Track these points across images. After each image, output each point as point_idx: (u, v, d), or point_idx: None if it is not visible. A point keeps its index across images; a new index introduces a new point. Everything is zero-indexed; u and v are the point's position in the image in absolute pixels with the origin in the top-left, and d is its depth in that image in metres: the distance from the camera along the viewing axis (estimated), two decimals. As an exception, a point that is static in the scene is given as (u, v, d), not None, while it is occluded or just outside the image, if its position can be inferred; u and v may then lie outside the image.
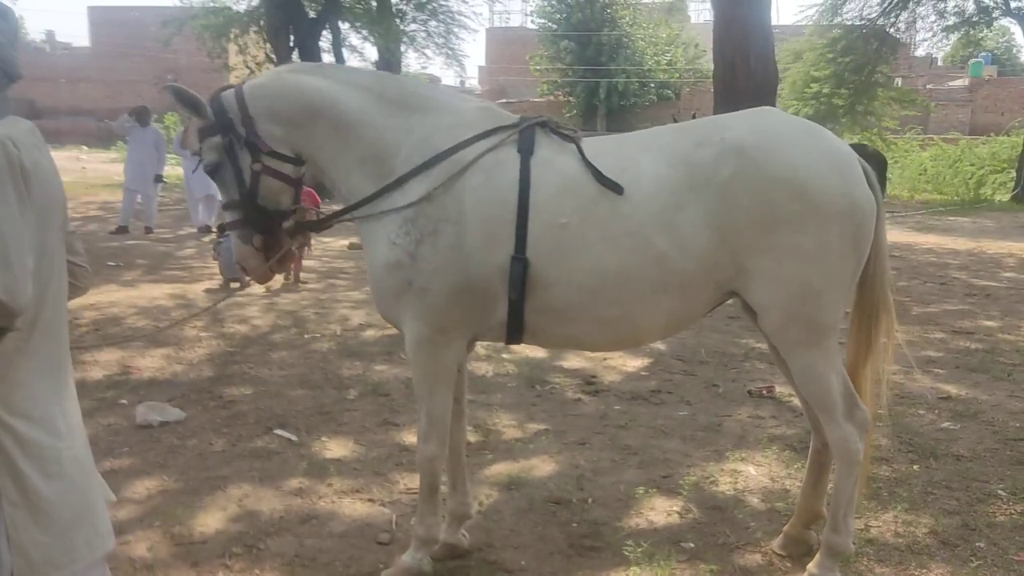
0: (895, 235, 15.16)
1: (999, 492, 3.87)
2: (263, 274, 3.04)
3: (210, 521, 3.44)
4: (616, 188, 2.74)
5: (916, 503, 3.73)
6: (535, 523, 3.51)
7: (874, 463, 4.18)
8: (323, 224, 3.14)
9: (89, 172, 22.76)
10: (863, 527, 3.49)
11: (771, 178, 2.69)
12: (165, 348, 6.02)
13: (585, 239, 2.76)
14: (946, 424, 4.83)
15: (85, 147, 34.07)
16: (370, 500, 3.67)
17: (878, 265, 2.93)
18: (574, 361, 6.00)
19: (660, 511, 3.63)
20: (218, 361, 5.79)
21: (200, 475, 3.85)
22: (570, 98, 39.79)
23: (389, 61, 22.91)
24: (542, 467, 4.09)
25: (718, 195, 2.70)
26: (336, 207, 3.10)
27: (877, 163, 10.48)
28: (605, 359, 6.12)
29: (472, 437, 4.45)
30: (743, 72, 10.28)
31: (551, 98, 40.52)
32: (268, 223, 2.94)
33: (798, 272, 2.71)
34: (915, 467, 4.17)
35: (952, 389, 5.54)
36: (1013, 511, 3.67)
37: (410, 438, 4.41)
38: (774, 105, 10.60)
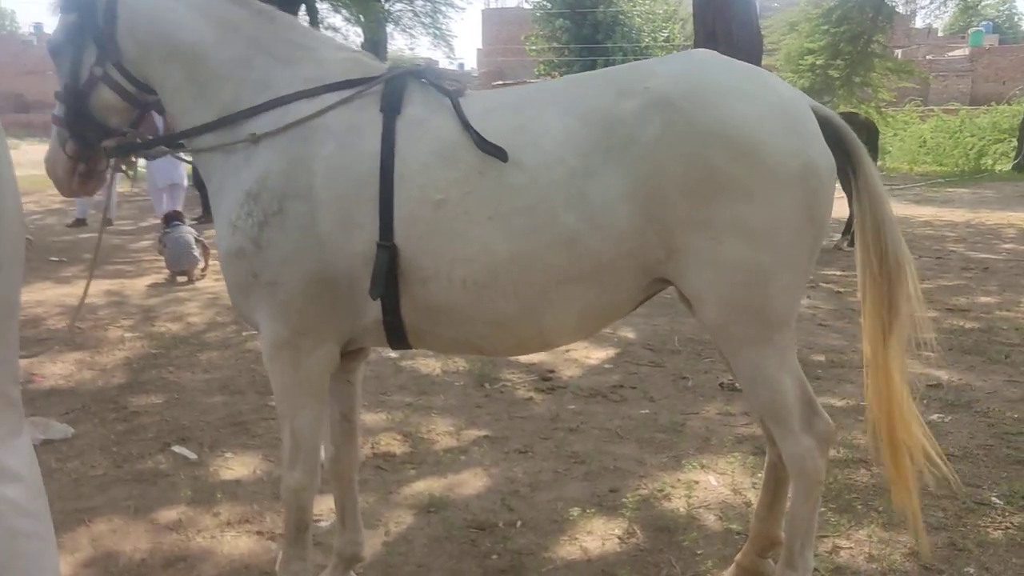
0: (892, 208, 14.62)
1: (993, 500, 3.33)
2: (66, 186, 2.60)
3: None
4: (499, 153, 2.19)
5: (896, 517, 3.19)
6: (449, 555, 2.97)
7: (850, 466, 3.66)
8: (143, 147, 2.61)
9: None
10: (830, 549, 2.96)
11: (707, 135, 2.13)
12: (81, 352, 5.49)
13: (468, 219, 2.21)
14: (935, 416, 4.30)
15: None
16: (258, 533, 3.13)
17: (885, 239, 2.34)
18: (533, 355, 5.47)
19: (598, 535, 3.10)
20: (135, 366, 5.25)
21: (68, 506, 3.31)
22: (567, 77, 39.17)
23: (375, 43, 22.30)
24: (472, 483, 3.56)
25: (641, 158, 2.15)
26: None
27: (867, 132, 9.89)
28: (567, 351, 5.59)
29: (399, 448, 3.92)
30: (724, 41, 9.68)
31: (548, 77, 39.97)
32: (89, 134, 2.52)
33: (742, 252, 2.15)
34: (900, 471, 3.63)
35: (943, 375, 5.01)
36: (1009, 524, 3.13)
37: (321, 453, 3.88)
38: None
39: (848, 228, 10.01)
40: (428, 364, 5.27)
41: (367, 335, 2.43)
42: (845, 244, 9.90)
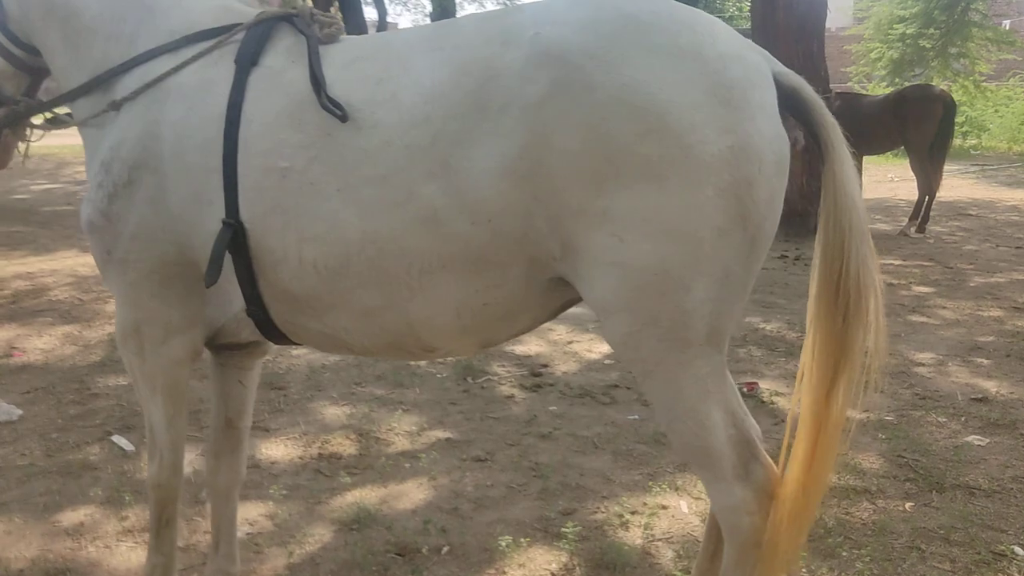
0: (979, 190, 13.60)
1: (1016, 550, 2.81)
2: None
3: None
4: (338, 112, 1.82)
5: (891, 569, 2.71)
6: (356, 584, 2.64)
7: (852, 497, 3.17)
8: (31, 112, 2.37)
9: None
10: (797, 610, 2.51)
11: (608, 101, 1.68)
12: (72, 325, 5.33)
13: (315, 191, 1.86)
14: (971, 438, 3.74)
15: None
16: (156, 543, 2.85)
17: (848, 255, 1.82)
18: (531, 345, 5.07)
19: (530, 570, 2.71)
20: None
21: (-23, 499, 3.10)
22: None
23: (443, 8, 21.93)
24: (412, 495, 3.20)
25: (521, 125, 1.72)
26: None
27: (944, 106, 9.00)
28: (570, 342, 5.17)
29: (348, 449, 3.59)
30: (784, 3, 8.92)
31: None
32: None
33: (651, 253, 1.70)
34: (907, 505, 3.13)
35: (992, 386, 4.41)
36: (1029, 585, 2.62)
37: (274, 450, 3.59)
38: (821, 50, 9.23)
39: (917, 211, 9.22)
40: (419, 351, 4.92)
41: (240, 328, 2.14)
42: (912, 230, 9.13)
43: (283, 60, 1.95)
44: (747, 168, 1.71)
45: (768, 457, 1.90)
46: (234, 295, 2.03)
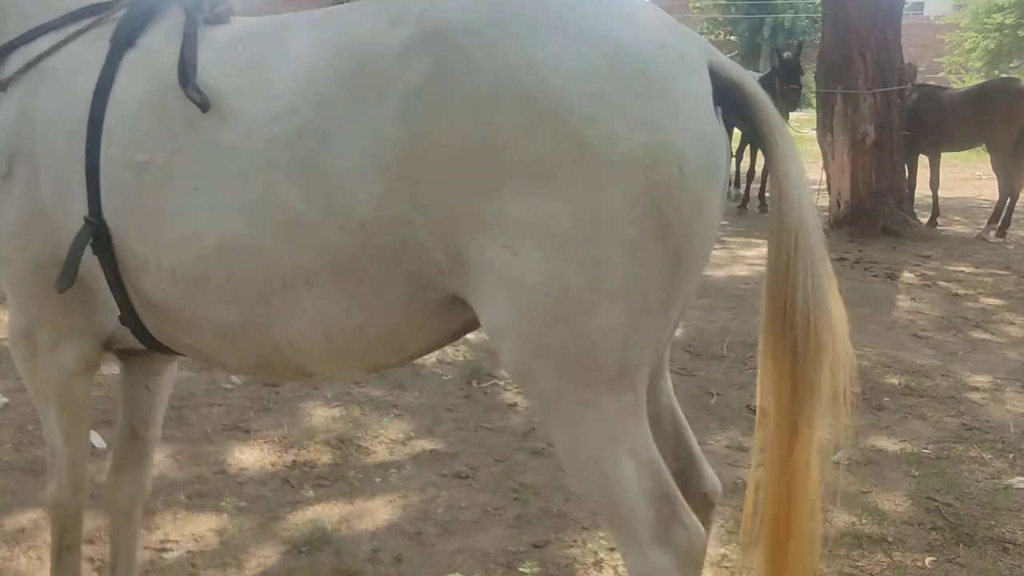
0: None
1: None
2: None
3: None
4: (198, 100, 1.59)
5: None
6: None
7: (865, 547, 2.81)
8: None
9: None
10: None
11: (494, 89, 1.42)
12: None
13: (173, 190, 1.64)
14: (1016, 480, 3.32)
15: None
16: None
17: (794, 281, 1.52)
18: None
19: (480, 612, 2.45)
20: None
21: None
22: (731, 37, 37.05)
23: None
24: (376, 515, 2.96)
25: (399, 115, 1.47)
26: None
27: (1031, 103, 8.32)
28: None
29: (324, 458, 3.38)
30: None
31: (711, 37, 38.11)
32: None
33: (547, 268, 1.42)
34: (927, 560, 2.75)
35: (1054, 419, 3.94)
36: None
37: (247, 455, 3.40)
38: (897, 39, 8.60)
39: (997, 214, 8.57)
40: (430, 350, 4.69)
41: (127, 336, 1.93)
42: (991, 234, 8.48)
43: (161, 40, 1.72)
44: (665, 170, 1.41)
45: (695, 517, 1.59)
46: (111, 300, 1.83)
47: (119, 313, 1.81)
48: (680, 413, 1.92)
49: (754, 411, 3.91)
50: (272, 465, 3.31)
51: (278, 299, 1.61)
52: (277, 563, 2.66)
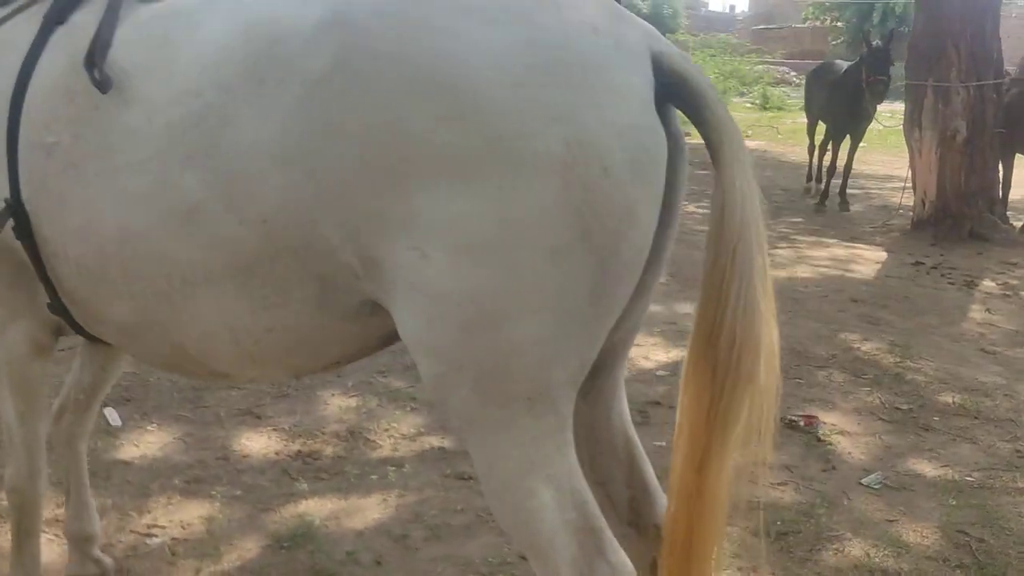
0: None
1: None
2: None
3: None
4: (97, 80, 1.53)
5: None
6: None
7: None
8: None
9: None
10: None
11: (401, 77, 1.31)
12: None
13: (77, 175, 1.59)
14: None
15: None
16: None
17: (727, 299, 1.39)
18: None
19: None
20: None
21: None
22: (838, 23, 35.70)
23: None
24: (367, 513, 2.90)
25: (304, 106, 1.37)
26: None
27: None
28: (637, 344, 4.70)
29: (330, 449, 3.34)
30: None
31: (817, 23, 36.82)
32: None
33: (458, 273, 1.32)
34: (945, 603, 2.53)
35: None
36: None
37: (253, 441, 3.39)
38: (995, 28, 8.04)
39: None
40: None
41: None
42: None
43: (91, 16, 1.66)
44: (585, 170, 1.28)
45: (623, 555, 1.45)
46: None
47: (47, 301, 1.78)
48: (635, 437, 1.78)
49: (788, 425, 3.73)
50: (276, 454, 3.29)
51: (178, 296, 1.55)
52: (256, 557, 2.63)
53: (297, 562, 2.60)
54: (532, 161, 1.27)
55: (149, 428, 3.45)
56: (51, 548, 2.62)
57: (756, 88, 24.89)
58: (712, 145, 1.39)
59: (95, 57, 1.56)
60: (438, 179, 1.29)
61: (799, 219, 8.83)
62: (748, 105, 23.28)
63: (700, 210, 7.16)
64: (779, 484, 3.20)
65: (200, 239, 1.48)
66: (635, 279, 1.42)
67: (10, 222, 1.68)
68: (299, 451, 3.32)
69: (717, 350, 1.39)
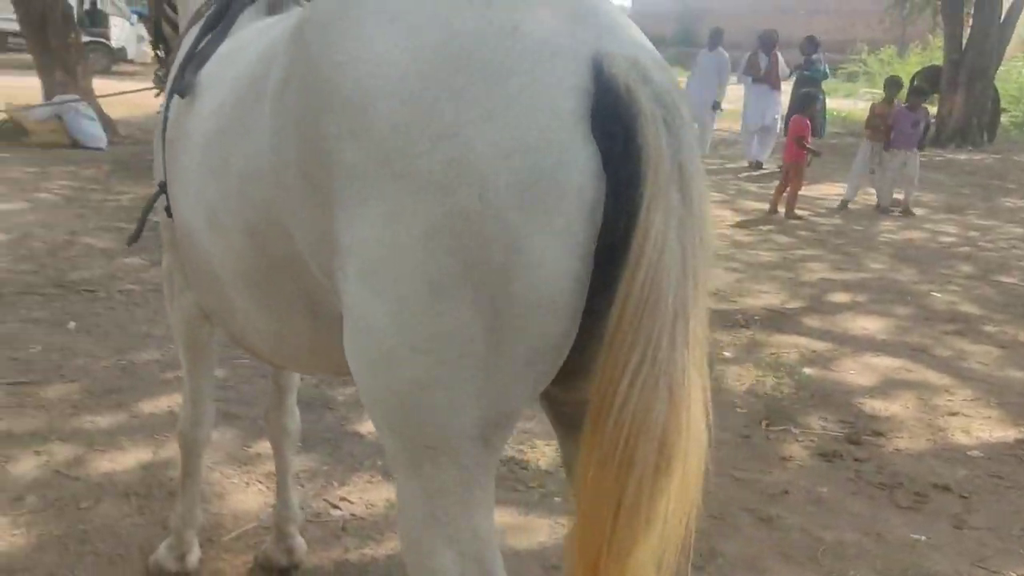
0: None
1: None
2: None
3: None
4: (180, 88, 1.80)
5: None
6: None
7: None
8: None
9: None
10: None
11: (321, 88, 1.26)
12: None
13: (180, 166, 1.81)
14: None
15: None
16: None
17: (629, 361, 1.11)
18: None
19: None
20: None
21: None
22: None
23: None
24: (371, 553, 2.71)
25: (269, 120, 1.39)
26: None
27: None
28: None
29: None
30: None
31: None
32: None
33: (362, 301, 1.23)
34: None
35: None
36: None
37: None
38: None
39: None
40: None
41: None
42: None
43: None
44: (464, 195, 1.11)
45: None
46: None
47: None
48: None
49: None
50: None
51: (224, 292, 1.71)
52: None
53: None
54: (416, 184, 1.13)
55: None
56: (248, 492, 2.95)
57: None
58: (627, 180, 1.11)
59: (186, 64, 1.74)
60: (346, 200, 1.22)
61: None
62: None
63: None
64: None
65: (220, 244, 1.60)
66: (562, 325, 1.18)
67: (163, 199, 1.97)
68: (511, 457, 3.29)
69: (602, 438, 1.12)
